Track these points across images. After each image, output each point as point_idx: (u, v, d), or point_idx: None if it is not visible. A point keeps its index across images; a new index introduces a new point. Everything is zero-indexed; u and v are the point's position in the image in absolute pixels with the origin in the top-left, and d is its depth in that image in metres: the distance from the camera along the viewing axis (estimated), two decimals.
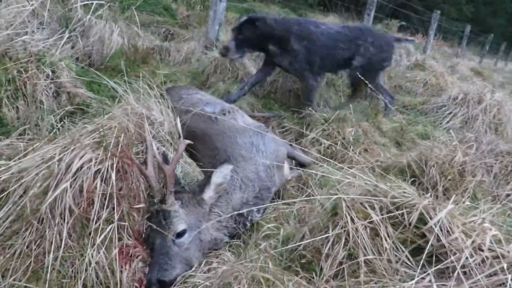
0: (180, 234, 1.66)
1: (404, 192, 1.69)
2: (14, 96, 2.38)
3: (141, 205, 1.62)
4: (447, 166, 2.70)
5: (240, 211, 1.87)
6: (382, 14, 16.04)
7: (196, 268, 1.63)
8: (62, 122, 1.97)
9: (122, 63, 3.04)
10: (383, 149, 3.45)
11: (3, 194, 1.52)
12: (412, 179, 2.60)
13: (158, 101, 2.24)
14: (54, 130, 1.99)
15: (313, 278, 1.47)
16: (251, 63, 4.80)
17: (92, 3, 3.94)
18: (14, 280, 1.31)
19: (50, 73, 2.55)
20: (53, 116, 2.27)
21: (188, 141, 1.86)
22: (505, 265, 1.29)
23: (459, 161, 2.70)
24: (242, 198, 1.96)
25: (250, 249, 1.67)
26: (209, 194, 1.79)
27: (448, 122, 4.66)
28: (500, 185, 2.84)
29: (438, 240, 1.46)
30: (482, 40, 19.10)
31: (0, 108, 2.34)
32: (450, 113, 4.76)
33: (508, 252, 1.36)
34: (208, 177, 1.80)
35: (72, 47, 3.77)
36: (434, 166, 2.70)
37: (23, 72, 2.44)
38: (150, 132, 1.93)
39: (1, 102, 2.34)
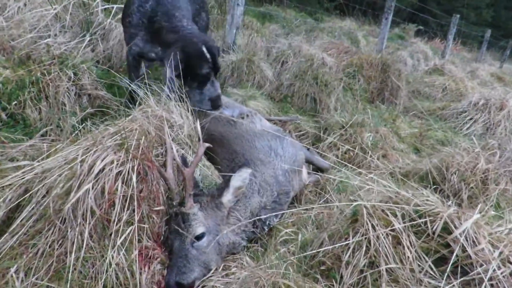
0: (198, 237, 1.66)
1: (427, 200, 1.65)
2: (37, 97, 2.43)
3: (160, 207, 1.62)
4: (469, 173, 2.63)
5: (259, 217, 1.86)
6: (399, 18, 15.91)
7: (214, 272, 1.63)
8: (84, 124, 2.00)
9: (142, 66, 3.06)
10: (402, 155, 3.40)
11: (27, 195, 1.54)
12: (432, 184, 2.54)
13: (178, 104, 2.25)
14: (76, 132, 2.01)
15: (333, 286, 1.44)
16: (267, 65, 4.79)
17: (113, 7, 4.01)
18: (36, 279, 1.33)
19: (72, 75, 2.59)
20: (75, 117, 2.29)
21: (207, 144, 1.86)
22: None
23: (482, 168, 2.64)
24: (261, 203, 1.94)
25: (269, 254, 1.65)
26: (228, 197, 1.78)
27: (468, 128, 4.56)
28: None
29: (464, 250, 1.41)
30: (503, 45, 18.67)
31: (23, 109, 2.39)
32: (470, 119, 4.66)
33: None
34: (227, 180, 1.80)
35: (93, 50, 3.84)
36: (455, 173, 2.64)
37: (46, 74, 2.48)
38: (170, 135, 1.94)
39: (25, 103, 2.39)
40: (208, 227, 1.69)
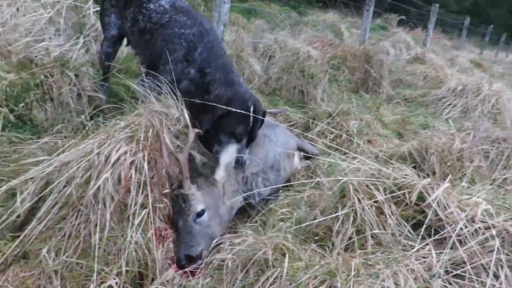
0: (199, 214, 1.87)
1: (406, 175, 1.87)
2: (42, 99, 2.57)
3: (167, 191, 1.81)
4: (446, 153, 2.87)
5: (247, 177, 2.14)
6: (381, 9, 16.18)
7: (221, 246, 1.83)
8: (92, 121, 2.17)
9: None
10: (386, 140, 3.63)
11: (48, 186, 1.71)
12: (413, 165, 2.77)
13: (176, 99, 2.41)
14: (87, 128, 2.18)
15: (326, 251, 1.65)
16: (255, 60, 4.98)
17: None
18: (67, 257, 1.50)
19: (74, 77, 2.74)
20: (83, 116, 2.45)
21: (197, 130, 2.05)
22: (494, 233, 1.47)
23: (457, 148, 2.88)
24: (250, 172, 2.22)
25: (269, 229, 1.86)
26: (220, 174, 2.01)
27: (448, 113, 4.83)
28: (497, 170, 3.01)
29: (436, 215, 1.64)
30: (482, 31, 19.17)
31: (30, 111, 2.54)
32: (449, 104, 4.93)
33: (498, 223, 1.54)
34: (217, 158, 2.02)
35: (87, 51, 3.96)
36: (434, 154, 2.88)
37: (49, 76, 2.63)
38: (169, 127, 2.12)
39: (31, 104, 2.53)
40: (207, 204, 1.92)
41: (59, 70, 2.67)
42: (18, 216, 1.64)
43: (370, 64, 5.55)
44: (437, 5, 11.14)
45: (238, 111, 2.10)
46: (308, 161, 2.92)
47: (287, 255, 1.41)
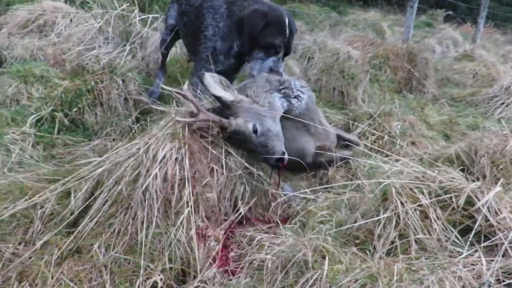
0: (255, 131, 2.06)
1: (452, 178, 1.79)
2: (93, 104, 2.74)
3: (207, 179, 1.87)
4: (498, 155, 2.71)
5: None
6: (426, 5, 15.52)
7: (261, 246, 1.85)
8: (138, 124, 2.29)
9: None
10: (431, 142, 3.48)
11: (99, 185, 1.83)
12: (461, 168, 2.64)
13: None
14: (133, 131, 2.30)
15: (367, 255, 1.62)
16: (294, 62, 4.97)
17: (148, 17, 4.32)
18: (115, 253, 1.59)
19: (121, 82, 2.90)
20: (130, 119, 2.59)
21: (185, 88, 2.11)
22: None
23: (511, 150, 2.71)
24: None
25: (308, 231, 1.85)
26: (228, 96, 2.10)
27: (500, 113, 4.54)
28: None
29: (487, 220, 1.56)
30: None
31: (82, 115, 2.71)
32: (502, 103, 4.63)
33: None
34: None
35: (133, 58, 4.16)
36: (484, 156, 2.72)
37: (99, 82, 2.79)
38: None
39: (83, 109, 2.71)
40: (253, 119, 2.08)
41: (108, 76, 2.84)
42: (72, 213, 1.77)
43: (414, 63, 5.34)
44: None
45: (274, 21, 2.27)
46: (349, 151, 2.88)
47: (327, 258, 1.40)
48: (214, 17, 2.63)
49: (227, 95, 2.10)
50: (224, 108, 2.15)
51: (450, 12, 15.31)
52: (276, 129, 2.15)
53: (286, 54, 2.43)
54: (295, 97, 2.36)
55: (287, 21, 2.29)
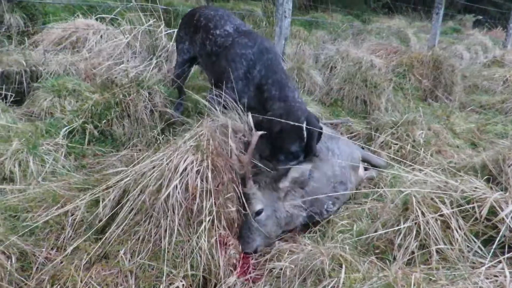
0: (258, 213, 2.02)
1: (476, 188, 1.76)
2: (121, 116, 2.87)
3: (230, 194, 1.92)
4: None
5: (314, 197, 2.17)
6: (454, 10, 15.15)
7: (280, 254, 1.88)
8: (163, 135, 2.38)
9: None
10: (457, 151, 3.40)
11: (125, 194, 1.91)
12: (488, 177, 2.57)
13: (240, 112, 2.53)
14: (158, 142, 2.39)
15: (387, 265, 1.61)
16: (316, 72, 4.99)
17: (173, 32, 4.48)
18: (140, 259, 1.66)
19: (147, 95, 3.02)
20: (156, 130, 2.69)
21: (260, 132, 2.10)
22: None
23: None
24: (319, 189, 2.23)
25: (327, 241, 1.86)
26: (284, 184, 2.09)
27: None
28: None
29: (511, 231, 1.52)
30: None
31: (111, 126, 2.84)
32: None
33: None
34: (287, 169, 2.09)
35: (159, 71, 4.32)
36: None
37: (127, 95, 2.92)
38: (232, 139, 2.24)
39: (112, 121, 2.84)
40: (266, 204, 2.04)
41: (135, 89, 2.96)
42: (100, 221, 1.86)
43: (439, 70, 5.25)
44: None
45: (290, 127, 2.11)
46: (373, 172, 2.85)
47: (343, 266, 1.41)
48: (245, 73, 2.51)
49: (283, 183, 2.08)
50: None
51: (480, 17, 14.90)
52: (271, 231, 2.05)
53: (307, 155, 2.25)
54: (317, 213, 2.25)
55: (304, 124, 2.14)
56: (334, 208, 2.31)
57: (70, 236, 1.82)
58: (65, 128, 2.71)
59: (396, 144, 3.22)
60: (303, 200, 2.16)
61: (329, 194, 2.25)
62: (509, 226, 1.51)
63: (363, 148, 3.09)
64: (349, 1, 13.76)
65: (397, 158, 3.09)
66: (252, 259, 1.93)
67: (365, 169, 2.88)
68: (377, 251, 1.73)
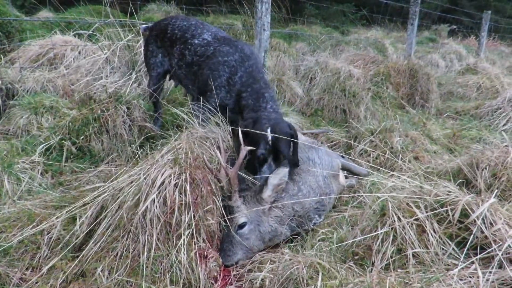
0: (241, 226, 2.00)
1: (449, 191, 1.81)
2: (99, 131, 2.84)
3: (209, 206, 1.91)
4: (500, 167, 2.71)
5: (299, 213, 2.17)
6: (429, 21, 15.66)
7: (261, 264, 1.88)
8: (141, 150, 2.36)
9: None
10: (435, 156, 3.49)
11: (103, 210, 1.89)
12: (462, 181, 2.64)
13: (217, 123, 2.55)
14: (136, 156, 2.37)
15: (365, 270, 1.63)
16: (296, 83, 5.06)
17: None
18: (118, 275, 1.64)
19: (126, 110, 3.00)
20: (134, 145, 2.67)
21: (248, 148, 2.14)
22: None
23: None
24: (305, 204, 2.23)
25: (307, 249, 1.87)
26: (267, 193, 2.08)
27: (504, 125, 4.53)
28: None
29: (482, 232, 1.57)
30: None
31: (89, 142, 2.81)
32: (506, 115, 4.63)
33: None
34: (267, 178, 2.09)
35: (138, 85, 4.31)
36: (486, 169, 2.72)
37: (105, 110, 2.90)
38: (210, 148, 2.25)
39: (90, 137, 2.81)
40: (250, 218, 2.03)
41: (113, 105, 2.95)
42: (77, 238, 1.83)
43: (415, 78, 5.41)
44: (489, 11, 10.60)
45: (254, 133, 2.20)
46: (353, 180, 2.89)
47: (320, 273, 1.42)
48: (228, 79, 2.58)
49: (266, 193, 2.08)
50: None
51: (454, 27, 15.43)
52: (253, 245, 2.02)
53: (277, 157, 2.29)
54: (304, 228, 2.25)
55: (269, 130, 2.22)
56: (320, 220, 2.33)
57: (46, 255, 1.78)
58: (41, 146, 2.67)
59: (374, 151, 3.28)
60: (290, 218, 2.16)
61: (316, 208, 2.27)
62: (480, 227, 1.56)
63: (343, 157, 3.13)
64: (327, 13, 14.08)
65: (375, 166, 3.15)
66: (233, 270, 1.92)
67: (346, 177, 2.91)
68: (356, 257, 1.75)
